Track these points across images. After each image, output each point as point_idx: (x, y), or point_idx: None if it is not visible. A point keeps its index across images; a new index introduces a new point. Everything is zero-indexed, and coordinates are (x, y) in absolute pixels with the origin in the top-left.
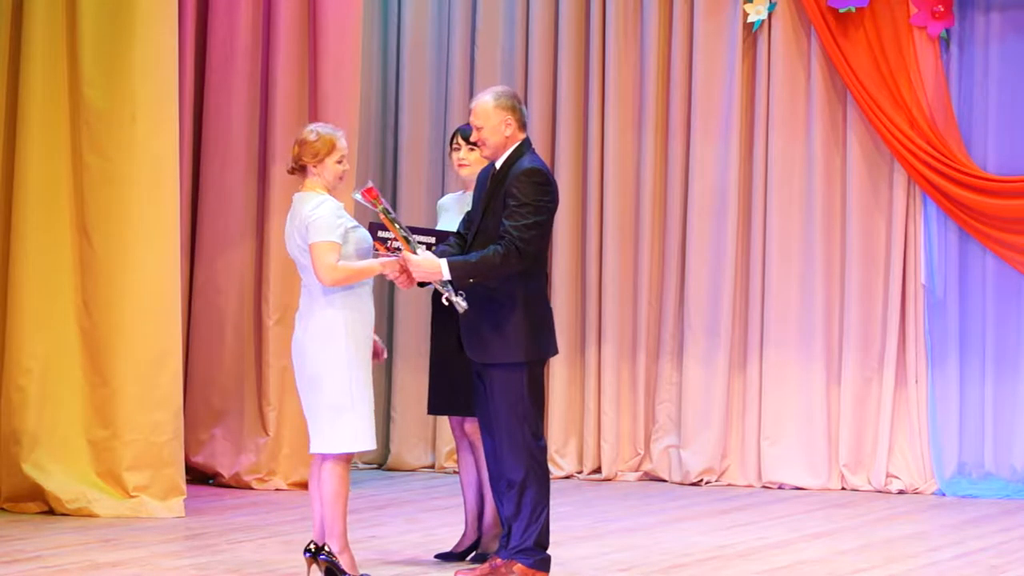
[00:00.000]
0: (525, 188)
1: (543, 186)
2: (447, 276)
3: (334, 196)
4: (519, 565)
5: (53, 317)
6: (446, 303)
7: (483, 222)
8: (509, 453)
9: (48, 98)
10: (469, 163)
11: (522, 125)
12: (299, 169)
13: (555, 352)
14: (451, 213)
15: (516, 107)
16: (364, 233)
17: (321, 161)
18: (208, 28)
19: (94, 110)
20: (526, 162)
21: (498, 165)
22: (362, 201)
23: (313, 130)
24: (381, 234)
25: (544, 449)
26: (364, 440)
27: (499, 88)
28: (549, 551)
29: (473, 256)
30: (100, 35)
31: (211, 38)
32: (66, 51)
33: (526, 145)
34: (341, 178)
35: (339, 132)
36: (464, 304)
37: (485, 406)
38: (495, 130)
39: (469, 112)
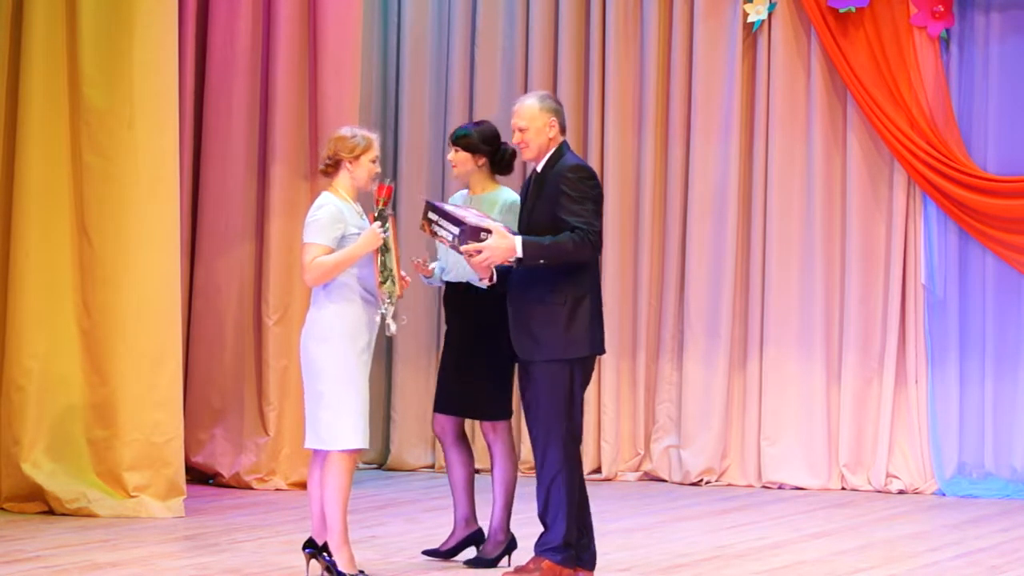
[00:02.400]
0: (579, 184)
1: (592, 179)
2: (520, 253)
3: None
4: (546, 562)
5: (53, 317)
6: (378, 318)
7: (531, 219)
8: (545, 449)
9: (48, 98)
10: (456, 164)
11: (562, 128)
12: (333, 166)
13: (602, 351)
14: None
15: (559, 110)
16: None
17: (357, 158)
18: (208, 28)
19: (94, 110)
20: (570, 159)
21: (539, 168)
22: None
23: (348, 128)
24: (431, 216)
25: (579, 450)
26: (350, 439)
27: (541, 92)
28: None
29: (546, 239)
30: (100, 35)
31: (211, 38)
32: (66, 51)
33: (565, 146)
34: (374, 179)
35: (368, 131)
36: (394, 328)
37: (530, 406)
38: (540, 132)
39: (512, 114)
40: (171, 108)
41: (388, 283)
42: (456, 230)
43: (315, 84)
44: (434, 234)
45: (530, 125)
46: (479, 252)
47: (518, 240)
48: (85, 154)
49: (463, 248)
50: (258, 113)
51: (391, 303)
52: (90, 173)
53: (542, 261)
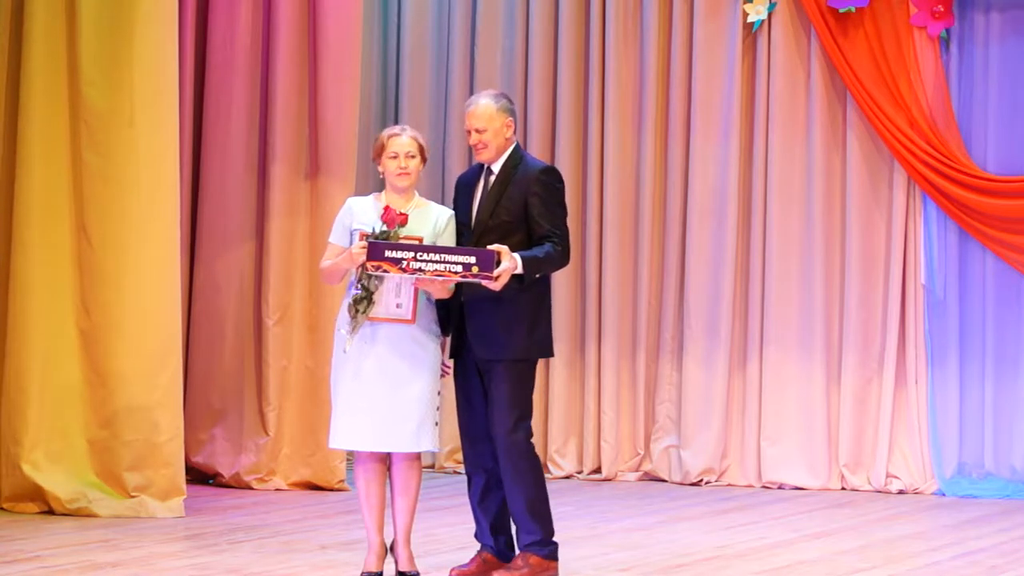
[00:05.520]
0: (551, 188)
1: (562, 182)
2: (521, 270)
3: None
4: (533, 557)
5: (53, 317)
6: (348, 344)
7: (492, 220)
8: (511, 449)
9: (48, 98)
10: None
11: (515, 129)
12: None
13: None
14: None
15: (514, 111)
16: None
17: (379, 156)
18: (208, 28)
19: (94, 110)
20: (534, 160)
21: (496, 168)
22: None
23: (392, 127)
24: (391, 254)
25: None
26: (330, 438)
27: (494, 91)
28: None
29: (539, 252)
30: (100, 35)
31: (211, 38)
32: (66, 51)
33: (519, 147)
34: (399, 175)
35: (396, 128)
36: (347, 348)
37: (475, 407)
38: (498, 132)
39: (466, 116)
40: (171, 108)
41: (362, 303)
42: (469, 260)
43: (315, 84)
44: (382, 269)
45: (488, 126)
46: (498, 277)
47: (518, 258)
48: (85, 154)
49: (490, 274)
50: (258, 113)
51: (354, 324)
52: (90, 173)
53: (537, 275)
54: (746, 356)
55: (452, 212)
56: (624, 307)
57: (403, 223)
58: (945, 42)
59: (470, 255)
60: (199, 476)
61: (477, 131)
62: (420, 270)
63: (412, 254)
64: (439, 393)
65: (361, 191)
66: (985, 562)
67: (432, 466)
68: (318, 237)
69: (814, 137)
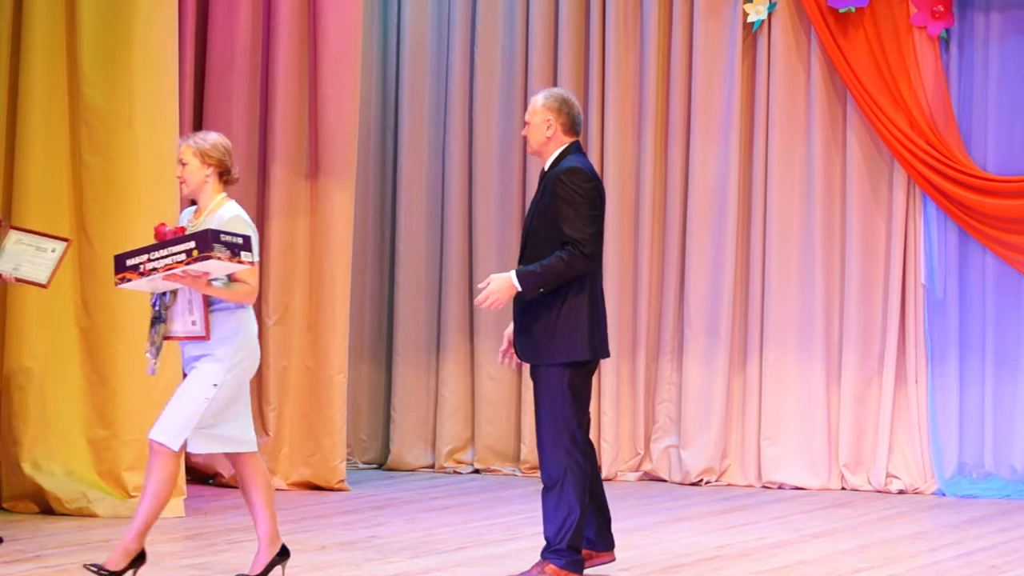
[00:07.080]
0: (570, 189)
1: (586, 183)
2: (518, 287)
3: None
4: (551, 565)
5: (53, 317)
6: (155, 365)
7: (532, 224)
8: (547, 453)
9: (48, 98)
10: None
11: (568, 129)
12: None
13: (603, 356)
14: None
15: (562, 109)
16: None
17: None
18: (208, 28)
19: (94, 110)
20: (569, 161)
21: (546, 167)
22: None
23: None
24: (131, 262)
25: (584, 452)
26: None
27: (555, 89)
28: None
29: (536, 267)
30: (100, 35)
31: (211, 38)
32: (66, 51)
33: (573, 148)
34: (180, 183)
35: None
36: (155, 366)
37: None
38: (537, 128)
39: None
40: (171, 108)
41: (156, 324)
42: (189, 245)
43: (315, 84)
44: (126, 280)
45: (531, 119)
46: (487, 299)
47: (513, 276)
48: (85, 154)
49: (211, 253)
50: (258, 113)
51: (152, 346)
52: (90, 173)
53: (542, 289)
54: (746, 356)
55: (236, 214)
56: (624, 307)
57: (181, 236)
58: (945, 42)
59: (190, 240)
60: (199, 476)
61: (526, 123)
62: (155, 269)
63: (146, 256)
64: (208, 399)
65: (360, 191)
66: (985, 562)
67: (432, 466)
68: (318, 237)
69: (814, 137)
